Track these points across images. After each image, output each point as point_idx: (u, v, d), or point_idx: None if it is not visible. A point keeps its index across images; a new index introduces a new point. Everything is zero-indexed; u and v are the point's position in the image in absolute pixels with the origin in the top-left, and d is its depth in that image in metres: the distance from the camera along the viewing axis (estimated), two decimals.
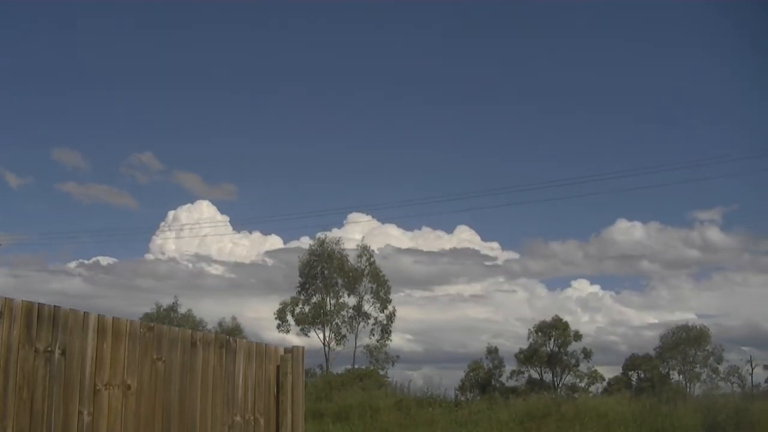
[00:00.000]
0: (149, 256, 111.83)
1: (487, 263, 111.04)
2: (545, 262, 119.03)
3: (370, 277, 78.79)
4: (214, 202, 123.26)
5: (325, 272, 78.57)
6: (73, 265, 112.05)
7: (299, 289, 79.13)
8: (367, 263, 79.29)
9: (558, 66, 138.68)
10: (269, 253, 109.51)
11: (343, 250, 79.19)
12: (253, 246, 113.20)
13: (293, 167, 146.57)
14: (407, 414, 32.42)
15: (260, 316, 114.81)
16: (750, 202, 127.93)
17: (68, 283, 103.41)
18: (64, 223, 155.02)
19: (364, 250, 79.76)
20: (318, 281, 78.65)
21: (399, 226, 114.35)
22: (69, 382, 6.17)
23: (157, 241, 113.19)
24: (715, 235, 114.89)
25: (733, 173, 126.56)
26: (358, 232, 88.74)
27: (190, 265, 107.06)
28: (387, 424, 30.86)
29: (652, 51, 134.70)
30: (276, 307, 78.45)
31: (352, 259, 79.08)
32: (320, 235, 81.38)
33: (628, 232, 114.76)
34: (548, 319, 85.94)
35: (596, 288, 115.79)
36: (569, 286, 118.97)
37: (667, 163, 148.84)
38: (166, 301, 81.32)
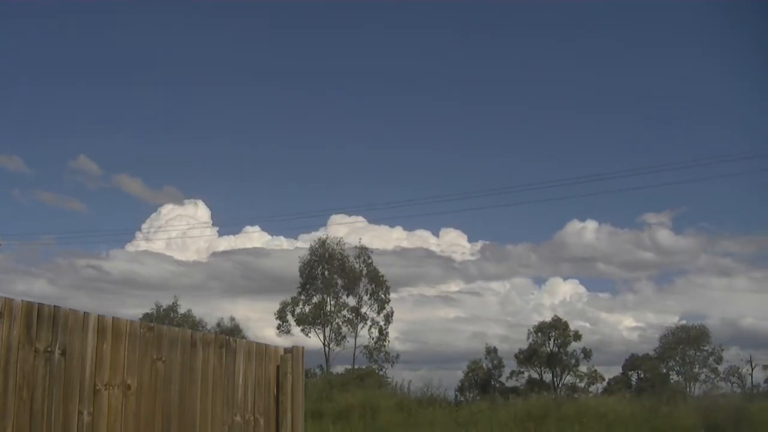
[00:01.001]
0: (113, 257, 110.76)
1: (455, 265, 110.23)
2: (507, 264, 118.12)
3: (368, 278, 78.79)
4: (158, 206, 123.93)
5: (326, 273, 78.56)
6: (36, 266, 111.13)
7: (300, 289, 79.11)
8: (364, 264, 79.30)
9: (557, 66, 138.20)
10: (227, 254, 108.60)
11: (344, 250, 79.16)
12: (229, 246, 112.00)
13: (277, 168, 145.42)
14: (408, 414, 32.44)
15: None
16: (699, 204, 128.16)
17: (33, 284, 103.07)
18: (20, 225, 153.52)
19: (362, 251, 79.76)
20: (319, 282, 78.64)
21: (391, 227, 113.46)
22: (69, 382, 6.17)
23: (129, 242, 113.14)
24: (668, 237, 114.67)
25: (732, 173, 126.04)
26: (340, 233, 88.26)
27: (155, 267, 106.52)
28: (387, 425, 30.87)
29: (651, 51, 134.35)
30: (242, 309, 77.92)
31: (350, 259, 79.06)
32: (322, 235, 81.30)
33: (581, 234, 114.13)
34: (548, 319, 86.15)
35: (570, 289, 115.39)
36: (542, 287, 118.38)
37: (669, 162, 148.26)
38: (165, 302, 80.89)
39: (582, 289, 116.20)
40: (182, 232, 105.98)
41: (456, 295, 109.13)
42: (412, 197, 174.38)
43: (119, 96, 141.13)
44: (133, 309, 79.46)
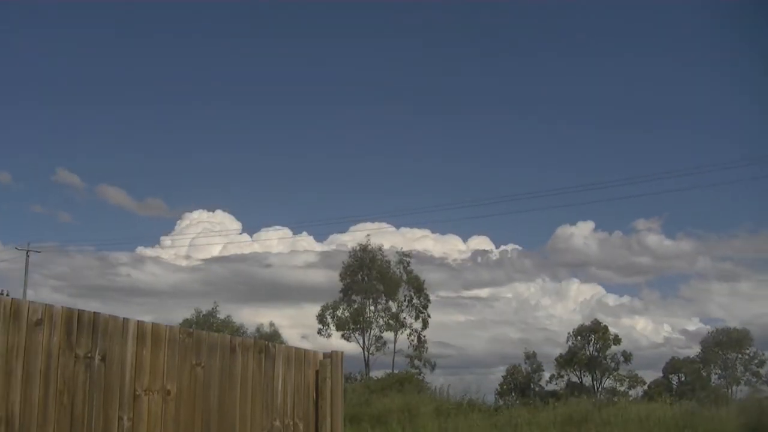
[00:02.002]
0: (116, 265, 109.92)
1: (451, 271, 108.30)
2: (503, 270, 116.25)
3: (408, 284, 78.74)
4: (144, 217, 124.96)
5: (365, 278, 78.55)
6: (39, 274, 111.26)
7: (341, 294, 79.21)
8: (404, 270, 79.25)
9: (556, 76, 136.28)
10: (223, 261, 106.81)
11: (385, 256, 79.12)
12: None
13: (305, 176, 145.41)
14: (446, 418, 32.34)
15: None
16: (690, 209, 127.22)
17: (39, 292, 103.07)
18: (18, 237, 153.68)
19: (403, 257, 79.75)
20: (359, 286, 78.61)
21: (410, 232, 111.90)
22: (109, 388, 6.20)
23: (132, 250, 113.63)
24: (664, 242, 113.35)
25: (730, 180, 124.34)
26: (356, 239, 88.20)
27: (158, 274, 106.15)
28: (426, 429, 30.80)
29: (649, 61, 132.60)
30: (247, 315, 77.62)
31: (390, 265, 79.04)
32: (363, 240, 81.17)
33: (577, 239, 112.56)
34: (587, 323, 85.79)
35: (582, 293, 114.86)
36: (552, 291, 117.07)
37: (669, 171, 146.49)
38: (205, 308, 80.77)
39: (599, 291, 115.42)
40: (190, 240, 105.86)
41: (462, 300, 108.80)
42: (424, 205, 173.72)
43: (88, 109, 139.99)
44: (139, 316, 79.00)
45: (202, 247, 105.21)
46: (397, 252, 79.89)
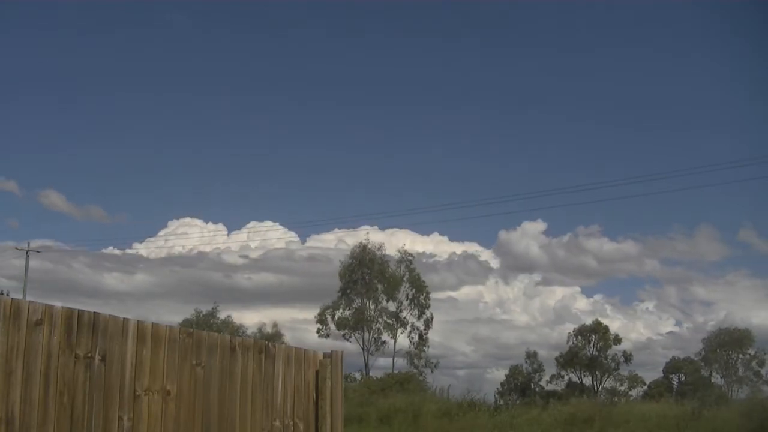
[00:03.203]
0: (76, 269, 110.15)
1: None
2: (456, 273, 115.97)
3: (409, 283, 78.65)
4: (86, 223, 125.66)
5: (366, 278, 78.42)
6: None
7: (340, 293, 79.11)
8: (406, 269, 79.12)
9: (553, 73, 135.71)
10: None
11: (384, 255, 79.00)
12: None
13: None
14: (449, 418, 32.40)
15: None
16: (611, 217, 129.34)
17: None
18: None
19: (405, 255, 79.65)
20: (359, 286, 78.49)
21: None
22: (109, 388, 6.20)
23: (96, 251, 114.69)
24: (605, 246, 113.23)
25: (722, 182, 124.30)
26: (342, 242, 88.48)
27: (119, 276, 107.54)
28: (429, 428, 30.85)
29: (648, 56, 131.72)
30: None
31: (390, 264, 78.94)
32: (363, 240, 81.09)
33: (531, 240, 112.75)
34: (588, 322, 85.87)
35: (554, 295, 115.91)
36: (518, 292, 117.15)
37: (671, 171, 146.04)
38: (205, 308, 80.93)
39: (569, 292, 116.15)
40: (157, 244, 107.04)
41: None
42: (421, 205, 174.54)
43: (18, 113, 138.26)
44: None
45: (166, 250, 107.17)
46: (398, 250, 79.97)
